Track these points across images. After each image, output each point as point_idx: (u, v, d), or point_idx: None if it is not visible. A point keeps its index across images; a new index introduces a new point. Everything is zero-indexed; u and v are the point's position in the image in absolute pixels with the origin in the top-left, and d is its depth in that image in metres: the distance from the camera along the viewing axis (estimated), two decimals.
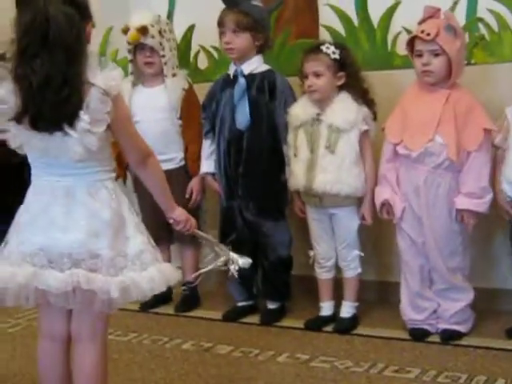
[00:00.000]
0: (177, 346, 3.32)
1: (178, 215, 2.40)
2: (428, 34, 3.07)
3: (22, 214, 2.24)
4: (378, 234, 3.68)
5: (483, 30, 3.52)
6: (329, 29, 3.83)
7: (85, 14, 2.17)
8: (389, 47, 3.72)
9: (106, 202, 2.19)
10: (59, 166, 2.18)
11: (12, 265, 2.18)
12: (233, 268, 2.61)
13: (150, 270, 2.21)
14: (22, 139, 2.16)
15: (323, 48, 3.31)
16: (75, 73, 2.07)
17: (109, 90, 2.12)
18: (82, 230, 2.15)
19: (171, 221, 2.42)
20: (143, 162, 2.26)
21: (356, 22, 3.79)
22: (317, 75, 3.32)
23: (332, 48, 3.31)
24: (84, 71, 2.09)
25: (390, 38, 3.71)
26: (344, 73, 3.32)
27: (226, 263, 2.63)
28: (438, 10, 3.13)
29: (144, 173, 2.29)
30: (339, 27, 3.82)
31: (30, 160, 2.24)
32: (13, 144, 2.18)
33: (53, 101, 2.05)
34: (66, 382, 2.32)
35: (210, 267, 2.66)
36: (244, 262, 2.62)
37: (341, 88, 3.34)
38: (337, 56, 3.30)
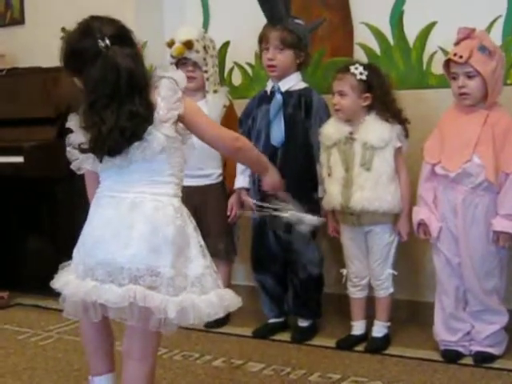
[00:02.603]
0: (207, 362, 3.31)
1: (273, 176, 2.54)
2: (461, 57, 3.07)
3: (86, 227, 2.27)
4: (411, 254, 3.67)
5: None
6: (364, 47, 3.84)
7: (134, 41, 2.25)
8: (424, 66, 3.71)
9: (170, 218, 2.19)
10: (129, 175, 2.21)
11: (78, 278, 2.23)
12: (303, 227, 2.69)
13: (210, 295, 2.21)
14: (95, 165, 2.26)
15: (351, 68, 3.33)
16: (148, 97, 2.17)
17: (178, 81, 2.23)
18: (143, 246, 2.15)
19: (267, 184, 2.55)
20: (236, 146, 2.34)
21: (391, 40, 3.79)
22: (341, 95, 3.34)
23: (360, 69, 3.32)
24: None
25: (425, 57, 3.71)
26: (370, 94, 3.32)
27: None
28: (473, 30, 3.12)
29: (240, 155, 2.40)
30: (374, 46, 3.83)
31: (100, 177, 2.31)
32: (79, 169, 2.31)
33: (128, 133, 2.14)
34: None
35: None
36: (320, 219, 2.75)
37: (370, 108, 3.34)
38: (363, 77, 3.31)
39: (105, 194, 2.27)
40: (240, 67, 4.20)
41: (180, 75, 2.27)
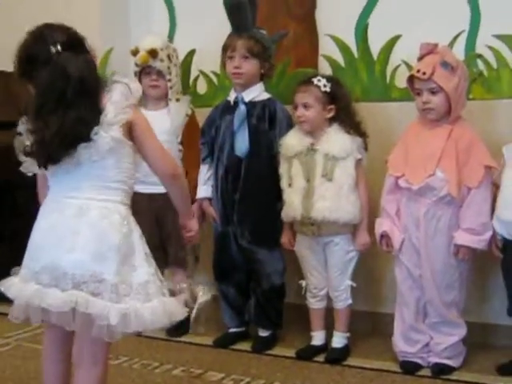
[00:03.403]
0: (167, 371, 3.30)
1: (192, 223, 2.55)
2: (424, 73, 3.11)
3: (33, 232, 2.27)
4: (371, 265, 3.69)
5: (482, 66, 3.55)
6: (328, 59, 3.87)
7: (87, 48, 2.28)
8: (387, 79, 3.74)
9: (116, 226, 2.20)
10: (77, 181, 2.21)
11: (21, 281, 2.23)
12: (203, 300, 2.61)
13: (154, 302, 2.20)
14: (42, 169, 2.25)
15: (315, 80, 3.35)
16: (98, 104, 2.18)
17: (132, 89, 2.24)
18: (88, 252, 2.15)
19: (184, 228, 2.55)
20: (173, 173, 2.34)
21: (356, 53, 3.82)
22: (306, 106, 3.36)
23: (324, 81, 3.35)
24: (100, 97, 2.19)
25: (389, 70, 3.74)
26: (334, 106, 3.35)
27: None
28: (435, 46, 3.17)
29: (175, 183, 2.38)
30: (339, 58, 3.85)
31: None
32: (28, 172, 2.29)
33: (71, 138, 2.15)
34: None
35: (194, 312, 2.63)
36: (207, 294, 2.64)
37: (333, 120, 3.37)
38: (327, 89, 3.34)
39: (52, 199, 2.28)
40: (205, 76, 4.19)
41: (136, 85, 2.29)
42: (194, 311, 2.56)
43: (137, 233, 2.27)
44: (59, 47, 2.17)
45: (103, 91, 2.20)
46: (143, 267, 2.23)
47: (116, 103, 2.19)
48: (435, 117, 3.17)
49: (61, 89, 2.13)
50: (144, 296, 2.19)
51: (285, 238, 3.55)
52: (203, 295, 2.62)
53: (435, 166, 3.12)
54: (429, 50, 3.16)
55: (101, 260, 2.16)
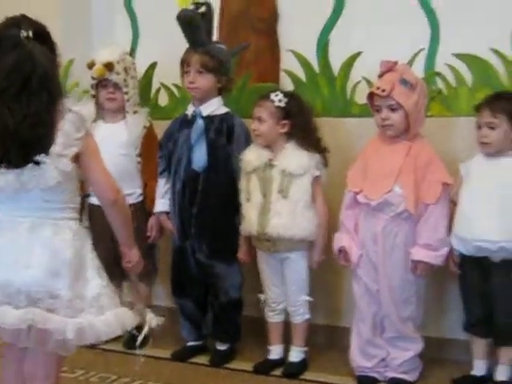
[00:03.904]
0: None
1: (133, 254, 2.47)
2: (383, 91, 3.15)
3: None
4: (329, 279, 3.71)
5: (441, 84, 3.60)
6: (290, 74, 3.89)
7: (55, 52, 2.26)
8: (348, 95, 3.78)
9: (69, 242, 2.21)
10: (27, 202, 2.20)
11: None
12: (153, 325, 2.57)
13: (108, 315, 2.23)
14: None
15: (271, 95, 3.38)
16: (55, 110, 2.16)
17: (85, 118, 2.22)
18: (42, 269, 2.15)
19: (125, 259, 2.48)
20: (116, 198, 2.31)
21: (317, 68, 3.85)
22: (260, 120, 3.38)
23: (280, 96, 3.37)
24: (61, 104, 2.18)
25: (349, 86, 3.77)
26: (289, 121, 3.36)
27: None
28: (395, 63, 3.21)
29: (115, 209, 2.33)
30: (300, 73, 3.87)
31: None
32: None
33: (29, 138, 2.11)
34: None
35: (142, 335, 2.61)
36: (159, 319, 2.59)
37: (291, 136, 3.38)
38: (282, 104, 3.36)
39: (3, 217, 2.25)
40: (166, 88, 4.19)
41: (88, 110, 2.27)
42: (141, 335, 2.55)
43: (88, 247, 2.29)
44: (30, 33, 2.16)
45: (61, 99, 2.19)
46: (95, 280, 2.25)
47: (67, 135, 2.18)
48: (394, 133, 3.21)
49: (27, 73, 2.11)
50: (97, 309, 2.22)
51: (240, 253, 3.56)
52: (152, 321, 2.61)
53: (393, 182, 3.16)
54: (388, 68, 3.20)
55: (55, 276, 2.17)
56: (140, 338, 2.58)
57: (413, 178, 3.14)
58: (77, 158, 2.22)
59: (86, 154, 2.23)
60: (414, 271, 3.20)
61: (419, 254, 3.16)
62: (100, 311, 2.21)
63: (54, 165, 2.16)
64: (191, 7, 3.52)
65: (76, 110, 2.21)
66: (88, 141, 2.24)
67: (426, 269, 3.20)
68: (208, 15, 3.54)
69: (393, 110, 3.18)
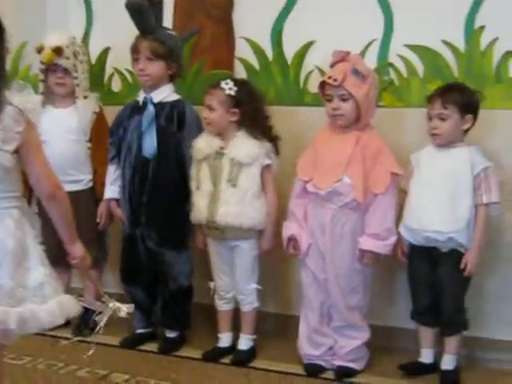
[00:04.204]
0: (72, 372, 3.29)
1: (76, 250, 2.41)
2: (335, 80, 3.16)
3: None
4: (279, 267, 3.73)
5: (393, 75, 3.62)
6: (243, 61, 3.88)
7: (3, 38, 2.22)
8: (301, 84, 3.78)
9: (10, 232, 2.19)
10: None
11: None
12: (122, 314, 2.62)
13: (50, 303, 2.22)
14: None
15: (222, 83, 3.36)
16: None
17: (24, 111, 2.17)
18: None
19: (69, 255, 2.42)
20: (55, 193, 2.27)
21: (270, 56, 3.84)
22: (210, 109, 3.37)
23: (230, 84, 3.35)
24: (3, 92, 2.13)
25: (302, 75, 3.77)
26: (238, 110, 3.35)
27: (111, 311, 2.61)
28: (347, 53, 3.22)
29: (55, 204, 2.30)
30: (254, 61, 3.86)
31: None
32: None
33: None
34: None
35: (101, 323, 2.61)
36: (129, 307, 2.64)
37: (242, 124, 3.37)
38: (232, 92, 3.34)
39: None
40: (120, 73, 4.16)
41: (31, 101, 2.22)
42: (101, 323, 2.56)
43: (30, 235, 2.27)
44: None
45: (5, 89, 2.15)
46: (38, 269, 2.23)
47: (6, 130, 2.14)
48: (344, 123, 3.22)
49: None
50: (40, 298, 2.21)
51: (198, 240, 3.56)
52: (121, 311, 2.61)
53: (342, 171, 3.17)
54: (341, 58, 3.20)
55: None
56: (101, 325, 2.59)
57: (362, 167, 3.16)
58: (17, 151, 2.19)
59: (26, 148, 2.19)
60: (361, 260, 3.22)
61: (367, 243, 3.18)
62: (43, 300, 2.21)
63: None
64: None
65: (16, 102, 2.16)
66: (29, 134, 2.20)
67: (373, 258, 3.22)
68: (157, 2, 3.52)
69: (344, 99, 3.18)
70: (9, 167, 2.16)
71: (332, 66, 3.24)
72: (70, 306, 2.29)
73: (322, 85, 3.26)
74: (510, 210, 3.41)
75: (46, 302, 2.21)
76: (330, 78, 3.19)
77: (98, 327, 2.64)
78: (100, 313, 2.61)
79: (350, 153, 3.18)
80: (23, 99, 2.18)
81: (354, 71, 3.16)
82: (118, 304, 2.61)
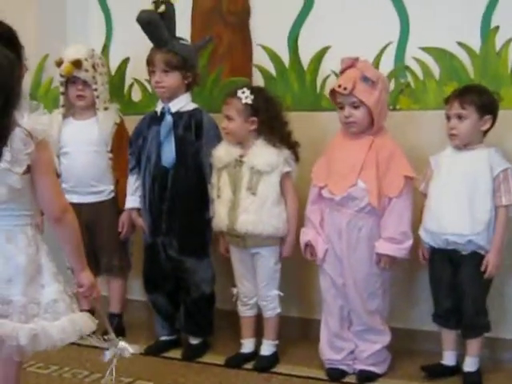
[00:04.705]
0: (97, 380, 3.31)
1: (83, 277, 2.36)
2: (345, 89, 3.18)
3: None
4: (302, 272, 3.74)
5: (409, 78, 3.62)
6: (260, 69, 3.91)
7: (21, 56, 2.23)
8: (318, 89, 3.80)
9: (22, 248, 2.21)
10: None
11: None
12: (126, 355, 2.59)
13: (62, 320, 2.23)
14: None
15: (238, 92, 3.38)
16: (10, 115, 2.11)
17: (33, 132, 2.16)
18: None
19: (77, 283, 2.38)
20: (62, 217, 2.26)
21: (287, 63, 3.86)
22: (229, 119, 3.39)
23: (247, 93, 3.37)
24: (12, 113, 2.13)
25: (319, 80, 3.80)
26: (256, 118, 3.37)
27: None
28: (356, 59, 3.23)
29: (61, 228, 2.27)
30: (271, 67, 3.89)
31: None
32: None
33: None
34: None
35: (112, 366, 2.61)
36: (134, 348, 2.63)
37: (260, 132, 3.39)
38: (249, 101, 3.36)
39: None
40: (139, 83, 4.21)
41: (41, 122, 2.20)
42: (111, 369, 2.58)
43: (43, 252, 2.28)
44: None
45: (17, 109, 2.16)
46: (51, 286, 2.24)
47: (14, 151, 2.13)
48: (357, 130, 3.24)
49: None
50: (53, 314, 2.22)
51: (221, 248, 3.60)
52: (125, 351, 2.62)
53: (356, 176, 3.18)
54: (349, 64, 3.22)
55: (8, 283, 2.17)
56: (109, 372, 2.60)
57: (375, 172, 3.17)
58: (29, 170, 2.19)
59: (35, 169, 2.19)
60: (379, 264, 3.23)
61: (383, 247, 3.19)
62: (55, 317, 2.22)
63: (3, 180, 2.14)
64: (150, 7, 3.53)
65: (24, 125, 2.15)
66: (38, 155, 2.18)
67: (390, 262, 3.23)
68: (168, 13, 3.55)
69: (355, 107, 3.20)
70: (18, 188, 2.17)
71: (341, 72, 3.26)
72: (84, 324, 2.29)
73: (333, 92, 3.28)
74: None
75: (59, 318, 2.22)
76: (339, 86, 3.20)
77: (108, 372, 2.60)
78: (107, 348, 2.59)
79: (364, 158, 3.19)
80: (33, 120, 2.17)
81: (364, 78, 3.17)
82: (124, 344, 2.60)
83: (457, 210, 3.16)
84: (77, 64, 3.72)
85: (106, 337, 2.57)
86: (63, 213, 2.26)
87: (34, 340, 2.16)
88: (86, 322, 2.30)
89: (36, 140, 2.16)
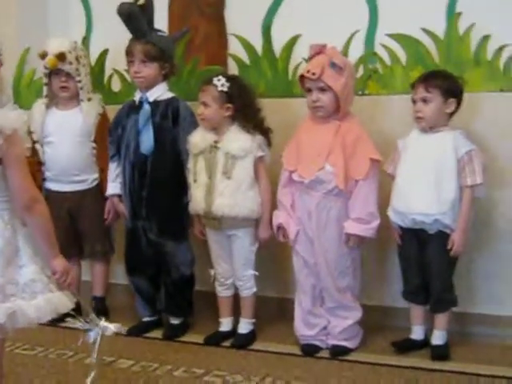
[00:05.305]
0: (79, 360, 3.42)
1: (55, 265, 2.43)
2: (313, 74, 3.28)
3: None
4: (278, 253, 3.85)
5: (377, 64, 3.75)
6: (235, 58, 4.03)
7: None
8: (290, 76, 3.92)
9: None
10: None
11: None
12: (109, 333, 2.68)
13: (39, 300, 2.33)
14: None
15: (214, 80, 3.49)
16: None
17: (1, 128, 2.25)
18: None
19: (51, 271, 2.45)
20: (31, 206, 2.34)
21: (260, 51, 3.99)
22: (205, 105, 3.50)
23: (222, 80, 3.48)
24: None
25: (291, 67, 3.92)
26: (231, 105, 3.48)
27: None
28: (324, 46, 3.34)
29: (30, 218, 2.36)
30: (245, 56, 4.01)
31: None
32: None
33: None
34: None
35: (96, 347, 2.69)
36: (117, 326, 2.71)
37: (235, 118, 3.51)
38: (224, 88, 3.47)
39: None
40: (119, 74, 4.31)
41: (12, 116, 2.29)
42: (95, 348, 2.68)
43: (21, 235, 2.38)
44: None
45: None
46: (29, 267, 2.35)
47: None
48: (324, 114, 3.35)
49: None
50: (30, 294, 2.33)
51: (196, 230, 3.71)
52: (107, 330, 2.72)
53: (324, 160, 3.30)
54: (317, 51, 3.33)
55: None
56: (94, 353, 2.71)
57: (342, 156, 3.28)
58: (0, 162, 2.29)
59: (5, 163, 2.28)
60: (347, 244, 3.35)
61: (351, 227, 3.32)
62: (32, 296, 2.33)
63: None
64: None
65: None
66: (8, 149, 2.27)
67: (358, 241, 3.36)
68: (147, 5, 3.66)
69: (323, 91, 3.31)
70: None
71: (309, 59, 3.36)
72: (60, 303, 2.39)
73: (302, 78, 3.39)
74: (497, 189, 3.55)
75: (36, 297, 2.33)
76: (308, 71, 3.31)
77: (93, 353, 2.69)
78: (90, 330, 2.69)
79: (331, 142, 3.31)
80: (1, 115, 2.26)
81: (332, 64, 3.27)
82: (105, 323, 2.71)
83: (423, 190, 3.28)
84: (61, 57, 3.82)
85: (87, 318, 2.68)
86: (33, 202, 2.34)
87: (11, 318, 2.27)
88: (62, 302, 2.41)
89: (4, 135, 2.24)
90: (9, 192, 2.36)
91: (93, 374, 2.72)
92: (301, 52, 3.83)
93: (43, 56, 3.89)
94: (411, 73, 3.61)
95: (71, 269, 2.51)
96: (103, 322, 2.70)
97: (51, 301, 2.37)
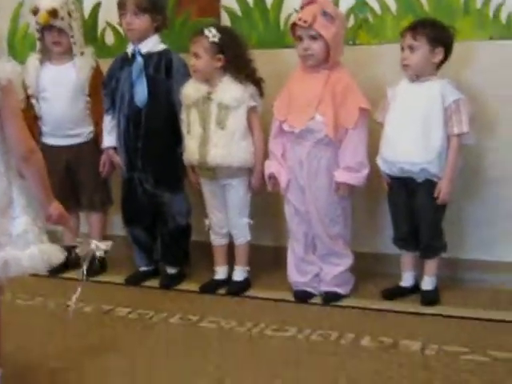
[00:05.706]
0: (79, 308, 3.45)
1: (52, 209, 2.51)
2: (305, 22, 3.30)
3: None
4: (272, 202, 3.90)
5: (368, 13, 3.76)
6: (227, 9, 4.03)
7: None
8: (281, 27, 3.93)
9: None
10: None
11: None
12: (99, 254, 2.78)
13: (32, 249, 2.40)
14: None
15: (205, 31, 3.51)
16: None
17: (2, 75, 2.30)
18: None
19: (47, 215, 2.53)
20: (29, 157, 2.40)
21: (251, 2, 3.99)
22: (196, 56, 3.53)
23: (213, 31, 3.50)
24: None
25: (282, 18, 3.93)
26: (223, 56, 3.50)
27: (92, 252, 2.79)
28: None
29: (28, 168, 2.42)
30: (236, 7, 4.02)
31: None
32: None
33: None
34: None
35: (84, 266, 2.80)
36: (106, 243, 2.82)
37: (227, 69, 3.53)
38: (216, 39, 3.49)
39: None
40: (112, 27, 4.31)
41: (6, 68, 2.34)
42: (85, 265, 2.76)
43: (15, 186, 2.43)
44: None
45: None
46: (21, 218, 2.41)
47: None
48: (314, 63, 3.37)
49: None
50: (23, 244, 2.39)
51: (192, 179, 3.77)
52: (98, 249, 2.81)
53: (314, 110, 3.34)
54: (309, 0, 3.34)
55: None
56: (84, 268, 2.80)
57: (332, 105, 3.32)
58: None
59: (2, 113, 2.34)
60: (338, 192, 3.41)
61: (341, 176, 3.37)
62: (25, 246, 2.39)
63: None
64: None
65: None
66: (3, 100, 2.32)
67: (348, 189, 3.41)
68: None
69: (314, 39, 3.32)
70: None
71: (302, 7, 3.38)
72: (53, 254, 2.47)
73: (293, 26, 3.41)
74: (486, 137, 3.58)
75: (28, 247, 2.39)
76: (300, 19, 3.33)
77: (82, 274, 2.79)
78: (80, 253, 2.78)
79: (321, 91, 3.34)
80: None
81: (323, 13, 3.29)
82: (95, 242, 2.80)
83: (411, 139, 3.31)
84: (53, 13, 3.83)
85: (78, 239, 2.83)
86: (30, 153, 2.41)
87: (5, 267, 2.35)
88: (54, 252, 2.48)
89: (0, 86, 2.30)
90: (4, 144, 2.41)
91: (79, 290, 2.86)
92: (292, 3, 3.81)
93: (35, 12, 3.90)
94: (401, 22, 3.60)
95: (64, 212, 2.58)
96: (94, 242, 2.83)
97: (44, 251, 2.44)
